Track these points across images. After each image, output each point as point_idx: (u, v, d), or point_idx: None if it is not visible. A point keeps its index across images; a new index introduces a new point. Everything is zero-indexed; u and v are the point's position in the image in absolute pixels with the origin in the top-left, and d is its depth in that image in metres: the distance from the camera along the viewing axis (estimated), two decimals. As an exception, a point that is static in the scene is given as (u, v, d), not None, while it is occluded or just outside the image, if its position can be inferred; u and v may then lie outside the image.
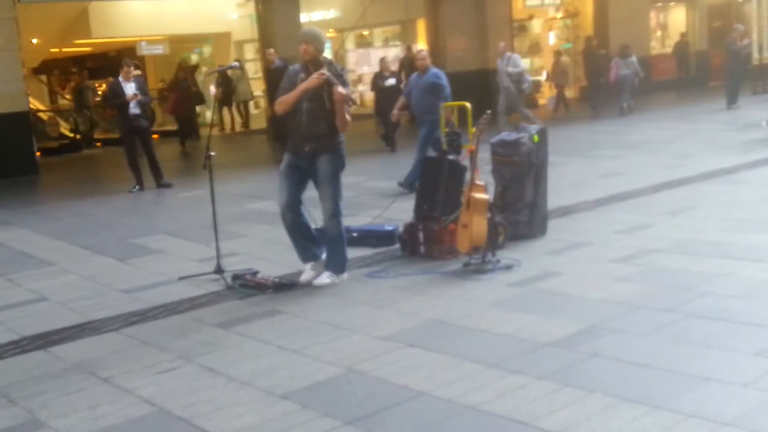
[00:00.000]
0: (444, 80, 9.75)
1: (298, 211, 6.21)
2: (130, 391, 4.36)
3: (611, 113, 17.68)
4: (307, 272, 6.28)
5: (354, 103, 5.73)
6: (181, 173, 14.06)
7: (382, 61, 15.41)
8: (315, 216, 6.34)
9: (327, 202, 6.10)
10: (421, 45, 21.18)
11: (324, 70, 5.88)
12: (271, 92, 12.80)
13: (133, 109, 11.66)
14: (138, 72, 12.48)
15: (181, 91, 16.50)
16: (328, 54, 23.39)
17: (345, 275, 6.24)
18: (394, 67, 20.71)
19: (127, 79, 11.80)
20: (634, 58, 18.12)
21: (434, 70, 9.92)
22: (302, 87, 5.92)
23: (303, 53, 6.03)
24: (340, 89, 5.79)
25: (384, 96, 14.26)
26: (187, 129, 16.99)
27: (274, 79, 12.69)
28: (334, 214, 6.10)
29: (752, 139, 12.39)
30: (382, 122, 14.31)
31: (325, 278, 6.16)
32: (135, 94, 11.58)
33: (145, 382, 4.47)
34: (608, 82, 18.30)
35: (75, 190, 12.28)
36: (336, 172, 6.10)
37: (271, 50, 14.19)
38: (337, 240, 6.18)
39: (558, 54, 20.38)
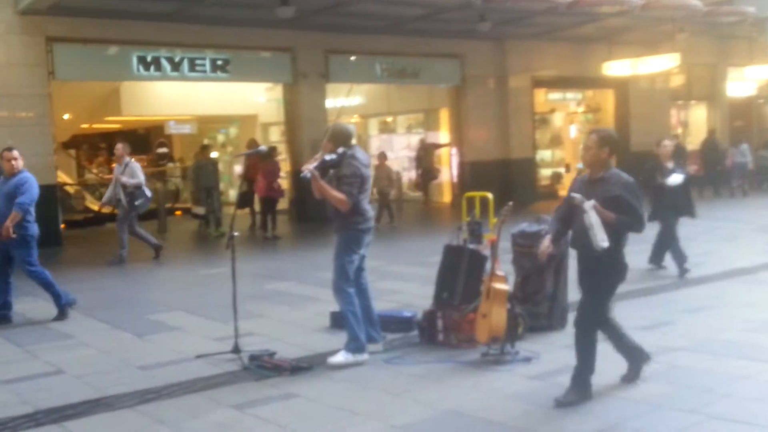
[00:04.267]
0: None
1: (356, 289, 6.45)
2: (143, 470, 4.31)
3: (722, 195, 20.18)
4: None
5: (307, 177, 6.06)
6: (201, 251, 14.19)
7: (663, 146, 9.99)
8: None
9: (332, 276, 6.36)
10: (444, 133, 21.55)
11: (311, 165, 6.14)
12: None
13: None
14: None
15: (270, 175, 15.24)
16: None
17: (364, 356, 6.27)
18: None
19: None
20: (746, 147, 20.50)
21: None
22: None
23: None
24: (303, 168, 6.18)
25: (667, 194, 9.76)
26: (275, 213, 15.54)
27: None
28: (335, 289, 6.35)
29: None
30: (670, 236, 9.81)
31: (339, 356, 6.25)
32: None
33: (158, 462, 4.42)
34: (724, 169, 20.82)
35: (96, 263, 12.35)
36: (341, 250, 6.31)
37: None
38: (344, 316, 6.34)
39: (382, 157, 17.02)
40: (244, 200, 16.29)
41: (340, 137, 6.33)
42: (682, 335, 6.78)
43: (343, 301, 6.31)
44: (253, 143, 17.09)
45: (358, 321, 6.32)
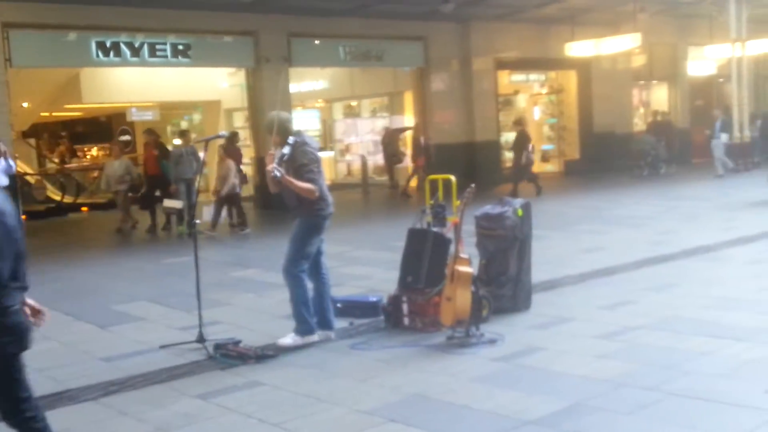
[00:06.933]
0: None
1: (314, 274, 6.55)
2: (106, 463, 4.27)
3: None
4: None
5: (279, 177, 6.11)
6: (166, 240, 14.06)
7: None
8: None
9: (284, 257, 6.40)
10: (408, 117, 21.53)
11: (274, 162, 6.21)
12: None
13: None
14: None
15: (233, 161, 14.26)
16: (314, 124, 23.83)
17: (314, 338, 6.38)
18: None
19: None
20: (758, 123, 21.07)
21: None
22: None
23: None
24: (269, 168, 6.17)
25: None
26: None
27: None
28: (286, 272, 6.36)
29: (733, 217, 12.54)
30: None
31: (288, 339, 6.36)
32: None
33: (121, 455, 4.38)
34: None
35: (59, 254, 12.19)
36: (302, 235, 6.37)
37: None
38: (291, 298, 6.38)
39: (224, 152, 14.38)
40: (147, 200, 14.95)
41: (287, 128, 6.40)
42: (643, 313, 6.86)
43: (295, 285, 6.36)
44: (150, 135, 15.32)
45: (307, 304, 6.40)
